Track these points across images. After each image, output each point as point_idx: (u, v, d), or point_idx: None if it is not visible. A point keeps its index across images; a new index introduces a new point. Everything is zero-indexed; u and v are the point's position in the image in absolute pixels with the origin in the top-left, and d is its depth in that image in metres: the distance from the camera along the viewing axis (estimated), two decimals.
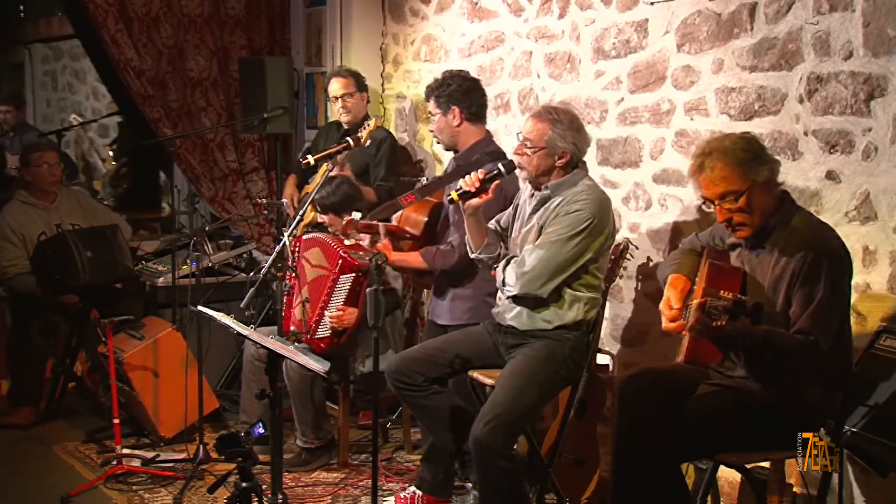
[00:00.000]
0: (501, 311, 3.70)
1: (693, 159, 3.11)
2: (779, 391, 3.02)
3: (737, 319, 2.83)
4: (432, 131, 4.18)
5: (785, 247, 3.01)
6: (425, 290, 5.02)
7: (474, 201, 3.57)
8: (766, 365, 3.03)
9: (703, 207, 3.15)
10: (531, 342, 3.59)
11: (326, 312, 4.39)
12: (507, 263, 3.59)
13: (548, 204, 3.59)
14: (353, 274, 4.34)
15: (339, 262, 4.35)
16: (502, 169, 3.58)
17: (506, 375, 3.53)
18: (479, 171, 3.58)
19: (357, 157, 4.95)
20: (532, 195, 3.69)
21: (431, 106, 4.11)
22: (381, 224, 4.08)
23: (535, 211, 3.64)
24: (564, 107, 3.69)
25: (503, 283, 3.59)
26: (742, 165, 2.99)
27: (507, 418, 3.38)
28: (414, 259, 4.03)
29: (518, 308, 3.62)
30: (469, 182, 3.54)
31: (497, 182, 3.57)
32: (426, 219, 4.11)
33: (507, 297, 3.64)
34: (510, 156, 3.74)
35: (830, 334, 2.92)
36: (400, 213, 4.14)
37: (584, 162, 3.66)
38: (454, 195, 3.56)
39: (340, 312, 4.35)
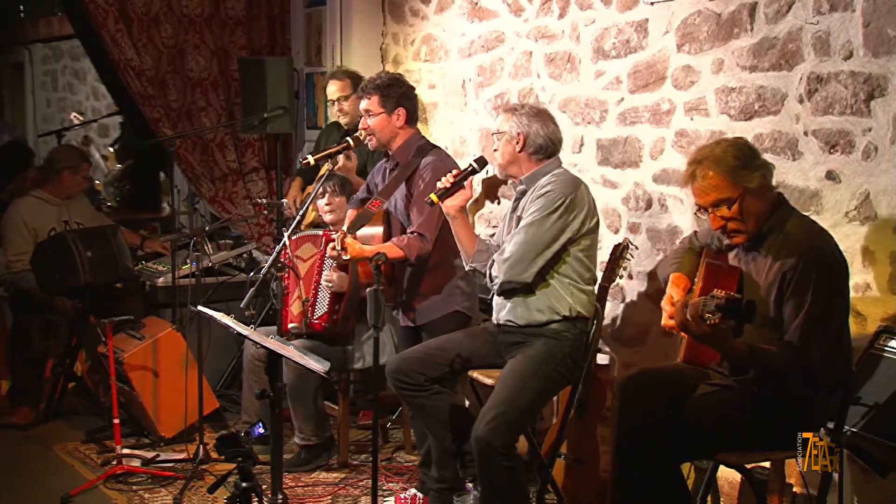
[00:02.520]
0: (497, 310, 3.70)
1: (685, 168, 3.11)
2: (778, 392, 3.02)
3: (731, 317, 2.82)
4: (365, 128, 4.03)
5: (778, 252, 3.00)
6: None
7: (454, 201, 3.58)
8: (753, 378, 3.03)
9: (698, 214, 3.16)
10: (530, 341, 3.59)
11: (324, 277, 4.43)
12: (493, 263, 3.62)
13: (525, 197, 3.63)
14: None
15: (323, 238, 4.46)
16: (475, 164, 3.63)
17: (506, 375, 3.54)
18: (454, 170, 3.65)
19: (357, 155, 4.95)
20: (513, 199, 3.73)
21: (370, 103, 4.00)
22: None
23: (514, 208, 3.68)
24: (534, 102, 3.73)
25: (491, 280, 3.61)
26: (733, 173, 2.98)
27: (507, 417, 3.39)
28: (389, 250, 3.87)
29: (510, 303, 3.63)
30: (444, 181, 3.57)
31: (470, 178, 3.61)
32: (382, 228, 4.08)
33: (497, 292, 3.64)
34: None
35: (820, 344, 2.91)
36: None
37: (559, 158, 3.69)
38: (434, 197, 3.57)
39: (332, 275, 4.39)
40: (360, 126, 4.09)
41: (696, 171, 3.03)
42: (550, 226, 3.49)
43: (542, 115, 3.65)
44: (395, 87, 4.02)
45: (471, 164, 3.63)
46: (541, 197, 3.52)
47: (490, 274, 3.60)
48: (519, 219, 3.59)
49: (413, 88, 4.13)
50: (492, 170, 3.96)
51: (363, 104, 4.04)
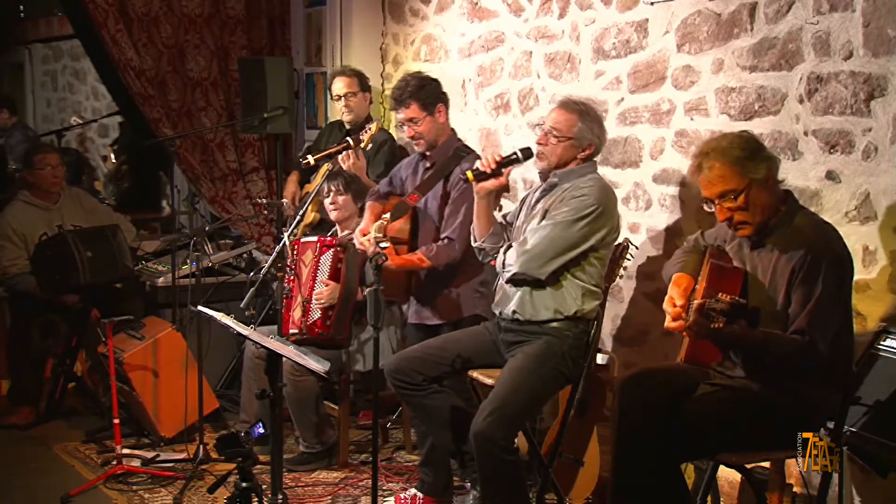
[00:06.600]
0: (501, 300, 3.69)
1: (692, 161, 3.14)
2: (779, 391, 3.03)
3: (734, 322, 2.83)
4: (413, 136, 4.06)
5: (786, 246, 3.02)
6: None
7: (487, 184, 3.62)
8: (765, 367, 3.03)
9: (705, 207, 3.16)
10: (531, 339, 3.59)
11: (314, 294, 4.45)
12: (509, 248, 3.61)
13: (554, 190, 3.62)
14: (332, 250, 4.47)
15: (318, 245, 4.50)
16: (519, 154, 3.64)
17: (506, 372, 3.55)
18: (496, 153, 3.64)
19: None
20: (541, 188, 3.72)
21: (411, 111, 4.02)
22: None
23: (540, 198, 3.68)
24: (587, 100, 3.76)
25: (503, 266, 3.60)
26: (739, 164, 3.01)
27: (506, 411, 3.40)
28: (417, 259, 3.95)
29: (519, 294, 3.61)
30: (485, 164, 3.59)
31: (510, 167, 3.62)
32: (409, 225, 4.10)
33: (506, 280, 3.64)
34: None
35: (828, 334, 2.93)
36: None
37: (596, 161, 3.72)
38: (469, 174, 3.60)
39: (324, 286, 4.42)
40: (406, 135, 4.11)
41: (703, 163, 3.06)
42: (577, 230, 3.49)
43: (601, 121, 3.68)
44: (427, 88, 4.06)
45: (515, 153, 3.63)
46: (575, 199, 3.52)
47: (504, 261, 3.60)
48: (545, 212, 3.59)
49: (439, 81, 4.15)
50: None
51: (401, 115, 4.04)
